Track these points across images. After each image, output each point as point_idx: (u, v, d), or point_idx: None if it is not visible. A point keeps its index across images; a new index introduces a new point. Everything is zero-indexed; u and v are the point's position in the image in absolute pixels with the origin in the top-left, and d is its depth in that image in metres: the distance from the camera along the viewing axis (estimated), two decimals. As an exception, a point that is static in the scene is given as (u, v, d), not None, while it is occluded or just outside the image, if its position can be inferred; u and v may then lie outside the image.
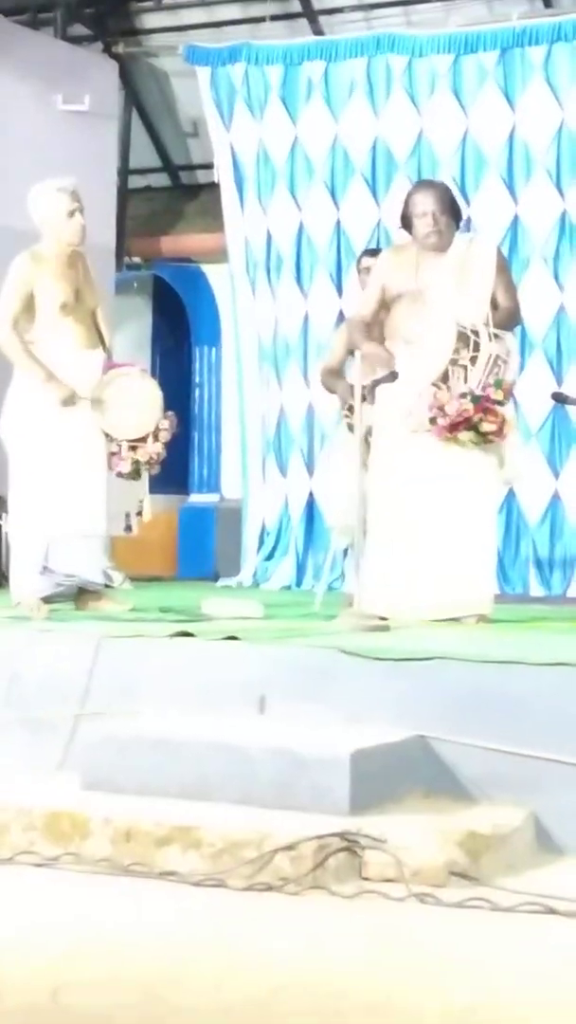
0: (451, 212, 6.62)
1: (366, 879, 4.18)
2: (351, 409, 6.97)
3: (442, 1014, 3.18)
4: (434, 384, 6.29)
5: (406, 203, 6.72)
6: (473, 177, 9.59)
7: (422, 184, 7.04)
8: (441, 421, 6.24)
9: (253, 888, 4.12)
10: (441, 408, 6.23)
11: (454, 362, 6.29)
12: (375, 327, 6.74)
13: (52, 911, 3.99)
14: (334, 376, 7.28)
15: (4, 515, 7.56)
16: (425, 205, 6.56)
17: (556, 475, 9.27)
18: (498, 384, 6.28)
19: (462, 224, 9.14)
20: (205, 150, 11.32)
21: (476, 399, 6.21)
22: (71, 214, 6.79)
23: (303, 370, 10.09)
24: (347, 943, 3.72)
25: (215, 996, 3.31)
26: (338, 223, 10.00)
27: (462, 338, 6.29)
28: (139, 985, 3.37)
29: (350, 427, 7.02)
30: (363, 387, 6.18)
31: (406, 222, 6.70)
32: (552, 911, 3.96)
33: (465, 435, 6.28)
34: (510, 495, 9.25)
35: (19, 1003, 3.25)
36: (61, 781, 5.03)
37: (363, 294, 7.10)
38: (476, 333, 6.30)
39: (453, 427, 6.24)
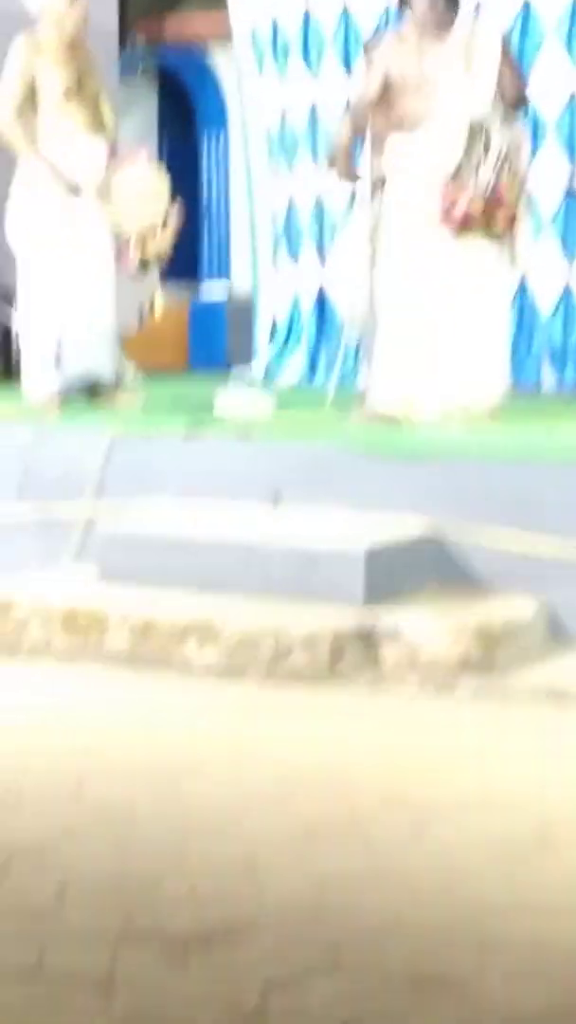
0: None
1: (382, 671, 4.25)
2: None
3: (456, 804, 3.26)
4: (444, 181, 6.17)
5: None
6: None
7: None
8: (455, 213, 6.14)
9: (270, 680, 4.19)
10: (453, 203, 6.13)
11: (467, 156, 6.17)
12: (379, 113, 6.60)
13: (73, 705, 4.07)
14: (347, 158, 7.07)
15: (14, 312, 7.50)
16: None
17: (569, 265, 9.14)
18: (512, 178, 6.17)
19: (471, 9, 8.94)
20: None
21: (488, 195, 6.11)
22: (72, 2, 6.59)
23: (313, 157, 9.89)
24: (363, 735, 3.80)
25: (233, 785, 3.39)
26: (345, 8, 9.71)
27: (472, 131, 6.17)
28: (159, 775, 3.45)
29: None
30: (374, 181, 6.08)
31: (404, 2, 6.51)
32: (563, 698, 4.03)
33: (476, 231, 6.18)
34: (521, 288, 9.13)
35: (45, 793, 3.33)
36: (77, 574, 5.07)
37: (365, 77, 6.93)
38: (487, 129, 6.18)
39: (464, 222, 6.15)
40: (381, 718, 3.95)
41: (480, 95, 6.27)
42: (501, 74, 6.37)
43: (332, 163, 7.02)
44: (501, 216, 6.15)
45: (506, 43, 6.57)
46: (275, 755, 3.62)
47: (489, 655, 4.32)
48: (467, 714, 3.99)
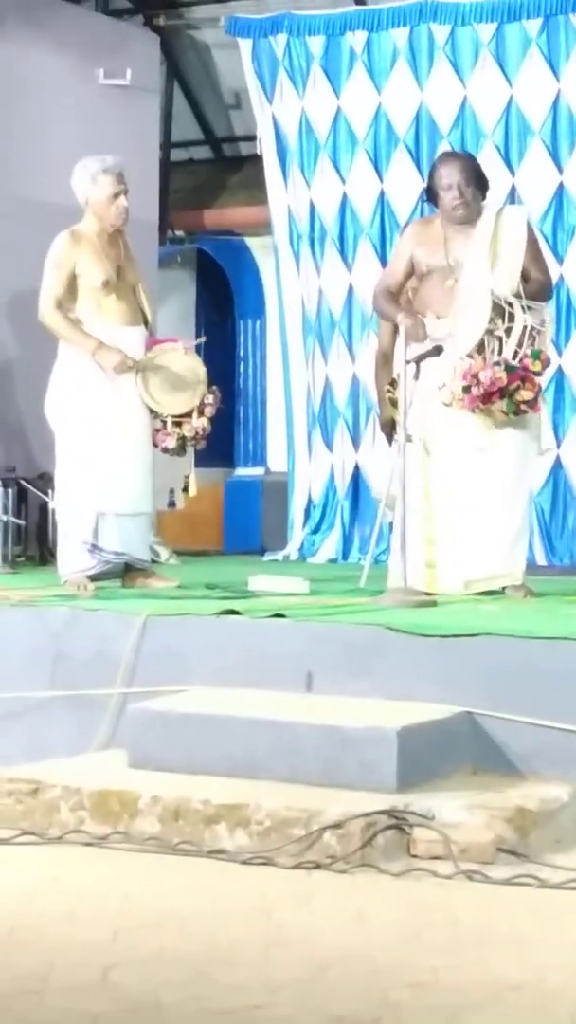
0: (477, 183, 6.56)
1: (414, 856, 4.20)
2: (393, 383, 6.95)
3: (489, 993, 3.18)
4: (468, 355, 6.26)
5: (431, 175, 6.68)
6: (517, 146, 9.51)
7: (447, 156, 6.93)
8: (475, 390, 6.21)
9: (301, 866, 4.14)
10: (475, 376, 6.20)
11: (489, 332, 6.26)
12: (401, 298, 6.72)
13: (102, 890, 4.02)
14: (385, 360, 7.24)
15: (51, 492, 7.58)
16: (451, 177, 6.51)
17: (603, 443, 9.20)
18: (535, 355, 6.25)
19: (506, 195, 9.15)
20: (247, 122, 11.27)
21: (511, 368, 6.18)
22: (115, 196, 6.78)
23: (348, 343, 10.05)
24: (394, 921, 3.73)
25: (263, 974, 3.32)
26: (382, 194, 9.94)
27: (496, 309, 6.26)
28: (187, 964, 3.39)
29: (392, 402, 7.00)
30: (408, 362, 6.16)
31: (432, 195, 6.66)
32: (600, 888, 3.96)
33: (498, 404, 6.25)
34: (556, 466, 9.20)
35: (69, 982, 3.27)
36: (109, 759, 5.06)
37: (389, 264, 7.08)
38: (510, 304, 6.27)
39: (487, 396, 6.21)
40: (413, 903, 3.88)
41: (506, 282, 6.37)
42: (526, 267, 6.47)
43: (377, 370, 7.16)
44: (524, 392, 6.21)
45: (532, 235, 6.68)
46: (305, 940, 3.56)
47: (523, 839, 4.26)
48: (501, 899, 3.91)
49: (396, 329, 6.64)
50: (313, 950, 3.48)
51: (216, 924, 3.69)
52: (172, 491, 7.04)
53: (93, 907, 3.85)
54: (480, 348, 6.26)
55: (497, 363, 6.17)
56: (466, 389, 6.22)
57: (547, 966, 3.36)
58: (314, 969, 3.34)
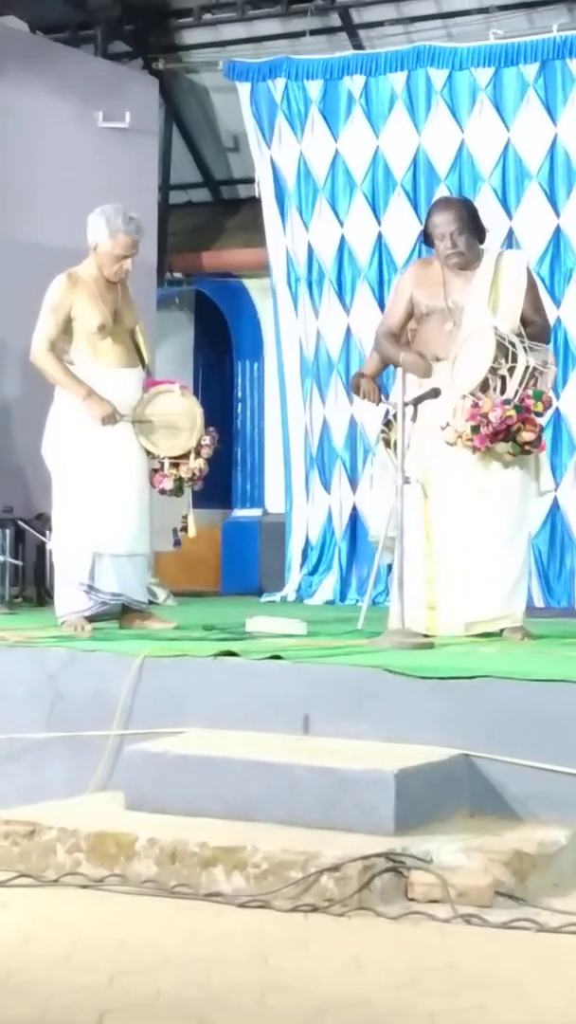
0: (472, 230, 6.58)
1: (412, 900, 4.18)
2: (388, 424, 6.96)
3: (488, 1038, 3.16)
4: (472, 394, 6.27)
5: (426, 222, 6.71)
6: (515, 190, 9.57)
7: (441, 203, 6.93)
8: (484, 429, 6.21)
9: (298, 909, 4.12)
10: (485, 416, 6.20)
11: (493, 371, 6.27)
12: (401, 339, 6.74)
13: (98, 933, 3.99)
14: (363, 378, 7.18)
15: (48, 534, 7.58)
16: (444, 226, 6.53)
17: (601, 488, 9.22)
18: (537, 396, 6.26)
19: (503, 238, 9.19)
20: (246, 165, 11.34)
21: (518, 408, 6.19)
22: (122, 258, 6.78)
23: (346, 385, 10.08)
24: (392, 965, 3.71)
25: (259, 1019, 3.30)
26: (379, 236, 9.99)
27: (500, 348, 6.27)
28: (184, 1008, 3.36)
29: (387, 442, 7.01)
30: (406, 404, 6.17)
31: (428, 239, 6.69)
32: (599, 932, 3.94)
33: (503, 446, 6.26)
34: (554, 508, 9.22)
35: (65, 1027, 3.25)
36: (105, 801, 5.05)
37: (389, 306, 7.10)
38: (513, 344, 6.29)
39: (494, 435, 6.22)
40: (411, 947, 3.85)
41: (504, 327, 6.38)
42: (525, 311, 6.49)
43: (355, 388, 7.15)
44: (525, 433, 6.22)
45: (532, 280, 6.71)
46: (302, 985, 3.53)
47: (521, 883, 4.24)
48: (499, 943, 3.89)
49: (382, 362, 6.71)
50: (310, 995, 3.46)
51: (213, 968, 3.67)
52: (175, 531, 7.05)
53: (89, 950, 3.83)
54: (484, 387, 6.27)
55: (507, 401, 6.18)
56: (475, 429, 6.22)
57: (546, 1010, 3.34)
58: (311, 1014, 3.32)
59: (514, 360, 6.27)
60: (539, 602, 8.99)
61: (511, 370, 6.27)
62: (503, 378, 6.29)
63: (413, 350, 6.53)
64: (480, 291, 6.51)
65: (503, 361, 6.28)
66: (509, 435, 6.24)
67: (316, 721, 5.17)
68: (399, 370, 6.37)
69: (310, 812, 4.54)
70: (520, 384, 6.25)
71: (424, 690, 5.04)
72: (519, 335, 6.38)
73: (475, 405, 6.24)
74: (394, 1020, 3.27)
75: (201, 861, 4.32)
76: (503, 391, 6.25)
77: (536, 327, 6.55)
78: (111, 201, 6.95)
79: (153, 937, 3.95)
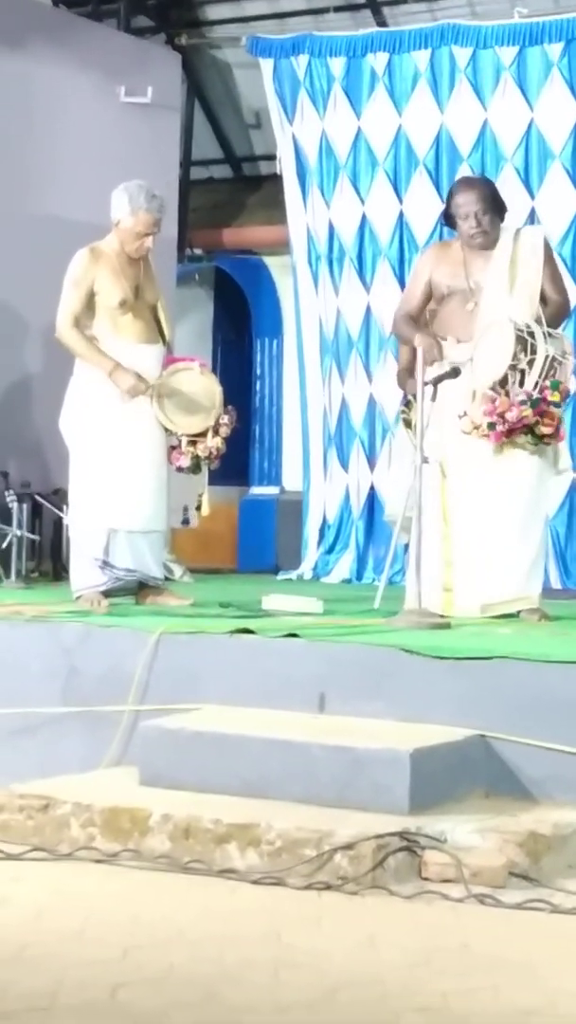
0: (494, 209, 6.56)
1: (425, 879, 4.17)
2: (408, 404, 6.94)
3: (499, 1018, 3.16)
4: (492, 388, 6.24)
5: (448, 202, 6.68)
6: (537, 169, 9.53)
7: (463, 183, 6.91)
8: (500, 427, 6.20)
9: (312, 887, 4.12)
10: (501, 415, 6.19)
11: (512, 366, 6.24)
12: (420, 320, 6.72)
13: (111, 908, 4.00)
14: (408, 375, 7.22)
15: (65, 508, 7.58)
16: (468, 206, 6.51)
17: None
18: (555, 386, 6.24)
19: (525, 218, 9.15)
20: (267, 142, 11.31)
21: (535, 403, 6.17)
22: (144, 235, 6.76)
23: (365, 363, 10.07)
24: (405, 944, 3.70)
25: (272, 995, 3.30)
26: (401, 215, 9.96)
27: (519, 340, 6.24)
28: (197, 984, 3.37)
29: (407, 423, 6.99)
30: (425, 383, 6.15)
31: (450, 220, 6.66)
32: (613, 914, 3.93)
33: (522, 439, 6.25)
34: (573, 489, 9.19)
35: (78, 1000, 3.25)
36: (120, 776, 5.05)
37: (407, 288, 7.07)
38: (532, 335, 6.25)
39: (510, 432, 6.22)
40: (424, 926, 3.85)
41: (523, 307, 6.36)
42: (544, 286, 6.47)
43: (400, 385, 7.15)
44: (545, 423, 6.20)
45: (550, 252, 6.68)
46: (315, 962, 3.53)
47: (535, 864, 4.23)
48: (512, 924, 3.89)
49: (415, 350, 6.64)
50: (323, 972, 3.46)
51: (226, 944, 3.67)
52: (186, 509, 7.03)
53: (102, 925, 3.83)
54: (503, 381, 6.25)
55: (523, 401, 6.15)
56: (491, 426, 6.21)
57: (559, 991, 3.33)
58: (324, 991, 3.32)
59: (533, 352, 6.25)
60: (556, 584, 8.97)
61: (531, 363, 6.25)
62: (523, 372, 6.26)
63: (428, 333, 6.49)
64: (499, 270, 6.49)
65: (523, 356, 6.25)
66: (528, 430, 6.23)
67: (332, 700, 5.16)
68: (419, 349, 6.34)
69: (325, 790, 4.54)
70: (540, 375, 6.23)
71: (441, 670, 5.03)
72: (538, 320, 6.35)
73: (492, 401, 6.21)
74: (406, 999, 3.27)
75: (215, 837, 4.32)
76: (522, 383, 6.22)
77: (555, 305, 6.53)
78: (132, 176, 6.92)
79: (166, 912, 3.96)
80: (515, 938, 3.78)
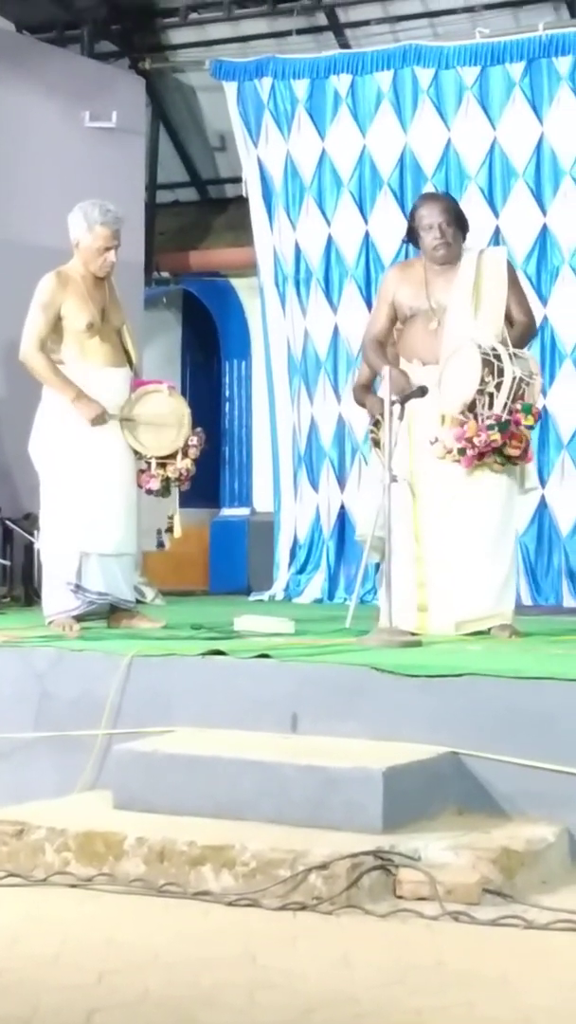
0: (457, 223, 6.60)
1: (400, 897, 4.18)
2: (377, 424, 6.96)
3: (476, 1035, 3.17)
4: (461, 413, 6.26)
5: (412, 217, 6.71)
6: (501, 188, 9.58)
7: (427, 197, 6.98)
8: (470, 452, 6.23)
9: (287, 907, 4.12)
10: (470, 440, 6.22)
11: (480, 390, 6.27)
12: (388, 342, 6.74)
13: (86, 932, 3.99)
14: (365, 391, 7.27)
15: (36, 533, 7.58)
16: (431, 218, 6.55)
17: (589, 486, 9.23)
18: (527, 409, 6.26)
19: (490, 237, 9.20)
20: (233, 164, 11.34)
21: (503, 427, 6.19)
22: (104, 251, 6.78)
23: (333, 383, 10.09)
24: (380, 962, 3.71)
25: (248, 1017, 3.30)
26: (367, 235, 10.00)
27: (486, 363, 6.27)
28: (172, 1007, 3.37)
29: (375, 442, 7.02)
30: (392, 402, 6.18)
31: (413, 235, 6.69)
32: (586, 927, 3.95)
33: (491, 459, 6.28)
34: (542, 506, 9.23)
35: (53, 1026, 3.25)
36: (94, 800, 5.05)
37: (373, 312, 7.10)
38: (498, 357, 6.28)
39: (480, 456, 6.25)
40: (399, 944, 3.86)
41: (488, 330, 6.39)
42: (509, 307, 6.50)
43: (357, 400, 7.18)
44: (513, 446, 6.23)
45: (514, 274, 6.71)
46: (290, 983, 3.54)
47: (509, 880, 4.25)
48: (487, 940, 3.90)
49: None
50: (298, 993, 3.46)
51: (201, 966, 3.67)
52: (160, 532, 7.04)
53: (77, 949, 3.83)
54: (472, 405, 6.27)
55: (491, 426, 6.18)
56: (461, 451, 6.24)
57: (533, 1007, 3.34)
58: (299, 1012, 3.32)
59: (500, 375, 6.27)
60: (527, 600, 9.00)
61: (498, 385, 6.27)
62: (490, 395, 6.28)
63: (396, 368, 6.49)
64: (462, 290, 6.51)
65: (490, 379, 6.27)
66: (497, 451, 6.26)
67: (304, 720, 5.17)
68: (384, 370, 6.36)
69: (298, 810, 4.54)
70: (508, 397, 6.25)
71: (412, 688, 5.05)
72: (503, 341, 6.38)
73: (462, 425, 6.24)
74: (381, 1017, 3.27)
75: (189, 860, 4.32)
76: (491, 406, 6.25)
77: (520, 326, 6.56)
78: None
79: (142, 936, 3.95)
80: (489, 954, 3.79)
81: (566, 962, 3.73)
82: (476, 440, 6.18)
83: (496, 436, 6.17)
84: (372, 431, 7.15)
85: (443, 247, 6.54)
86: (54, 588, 6.76)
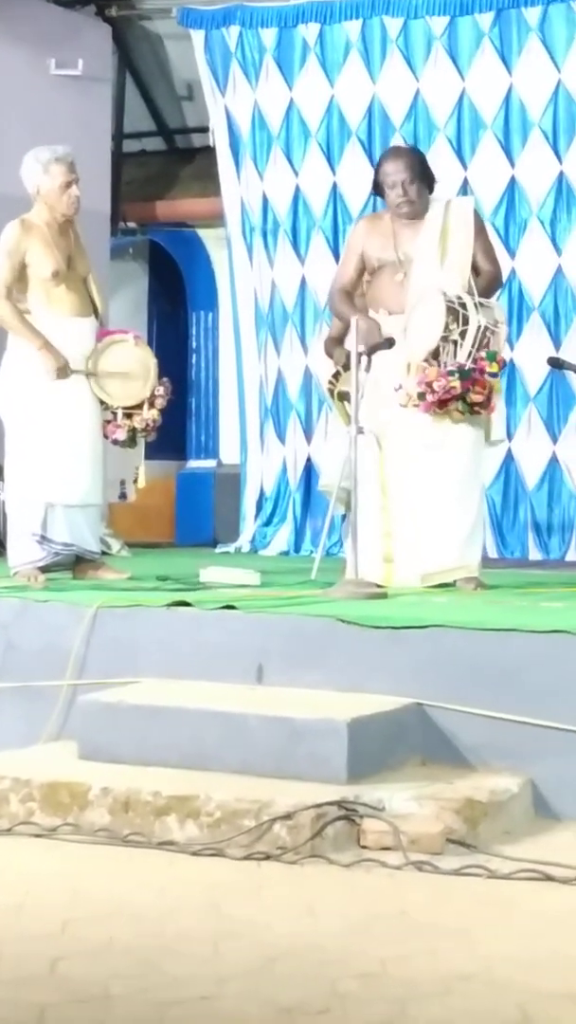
0: (422, 178, 6.56)
1: (364, 847, 4.20)
2: (336, 376, 6.95)
3: (437, 983, 3.19)
4: (425, 360, 6.25)
5: (377, 170, 6.69)
6: (469, 139, 9.53)
7: (391, 152, 6.93)
8: (429, 397, 6.22)
9: (251, 857, 4.14)
10: (429, 384, 6.21)
11: (444, 338, 6.25)
12: (356, 294, 6.72)
13: (50, 882, 4.01)
14: (335, 344, 7.23)
15: (1, 484, 7.55)
16: (395, 175, 6.52)
17: (554, 439, 9.25)
18: (491, 356, 6.26)
19: (458, 188, 9.17)
20: (200, 113, 11.25)
21: (465, 374, 6.18)
22: (67, 186, 6.75)
23: (300, 335, 10.06)
24: (344, 911, 3.73)
25: (212, 966, 3.32)
26: (334, 187, 9.95)
27: (451, 312, 6.25)
28: (136, 955, 3.38)
29: (340, 395, 7.00)
30: (360, 353, 6.16)
31: (379, 189, 6.66)
32: (549, 878, 3.98)
33: (452, 405, 6.26)
34: (508, 459, 9.25)
35: (17, 974, 3.26)
36: (58, 751, 5.05)
37: (340, 263, 7.08)
38: (463, 305, 6.26)
39: (441, 403, 6.24)
40: (362, 894, 3.88)
41: (454, 279, 6.37)
42: (475, 257, 6.48)
43: (328, 353, 7.16)
44: (477, 394, 6.22)
45: (481, 224, 6.69)
46: (255, 932, 3.56)
47: (472, 830, 4.27)
48: (450, 890, 3.92)
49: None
50: (262, 941, 3.48)
51: (165, 916, 3.68)
52: (123, 483, 7.03)
53: (42, 899, 3.84)
54: (436, 353, 6.26)
55: (451, 372, 6.17)
56: (421, 396, 6.23)
57: (496, 956, 3.37)
58: (263, 960, 3.34)
59: (465, 323, 6.25)
60: (493, 553, 9.02)
61: (463, 333, 6.25)
62: (455, 343, 6.27)
63: (366, 317, 6.46)
64: (429, 241, 6.49)
65: (454, 326, 6.26)
66: (458, 398, 6.25)
67: (270, 671, 5.18)
68: (353, 321, 6.34)
69: (263, 761, 4.55)
70: (473, 346, 6.24)
71: (377, 640, 5.06)
72: (469, 291, 6.36)
73: (425, 372, 6.23)
74: (345, 966, 3.30)
75: (154, 810, 4.33)
76: (456, 354, 6.24)
77: (487, 276, 6.54)
78: (64, 149, 6.90)
79: (106, 886, 3.97)
80: (452, 904, 3.81)
81: (528, 911, 3.76)
82: (435, 385, 6.16)
83: (456, 383, 6.15)
84: (332, 382, 7.14)
85: (406, 204, 6.51)
86: (19, 539, 6.74)
